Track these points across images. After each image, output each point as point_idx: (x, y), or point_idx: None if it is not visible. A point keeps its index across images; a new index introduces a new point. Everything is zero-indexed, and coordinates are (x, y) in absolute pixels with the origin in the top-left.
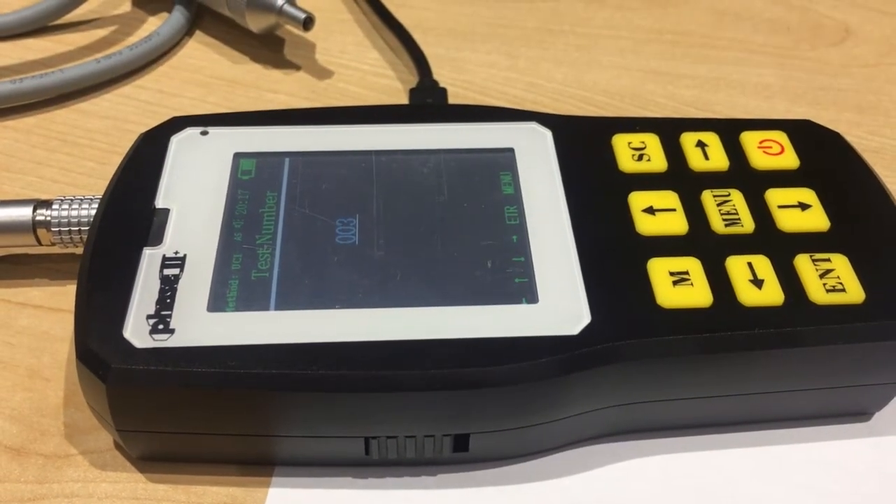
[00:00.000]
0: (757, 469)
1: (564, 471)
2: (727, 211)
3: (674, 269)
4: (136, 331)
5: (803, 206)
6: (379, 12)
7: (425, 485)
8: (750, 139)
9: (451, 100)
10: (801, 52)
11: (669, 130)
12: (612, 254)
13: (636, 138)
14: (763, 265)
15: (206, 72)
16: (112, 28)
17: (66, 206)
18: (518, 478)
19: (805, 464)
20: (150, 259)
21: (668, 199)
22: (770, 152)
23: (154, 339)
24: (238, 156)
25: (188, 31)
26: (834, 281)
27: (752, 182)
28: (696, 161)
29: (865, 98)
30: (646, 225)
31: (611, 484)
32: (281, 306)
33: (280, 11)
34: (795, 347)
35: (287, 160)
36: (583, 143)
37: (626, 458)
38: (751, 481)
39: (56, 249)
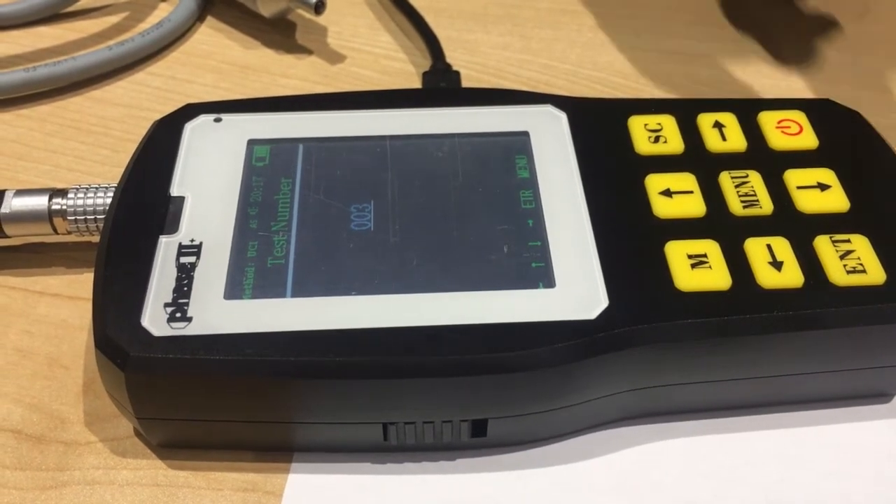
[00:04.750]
0: (777, 452)
1: (583, 455)
2: (745, 192)
3: (692, 252)
4: (154, 319)
5: (822, 187)
6: None
7: (443, 470)
8: (768, 119)
9: (465, 83)
10: (820, 30)
11: (686, 111)
12: (629, 237)
13: (652, 120)
14: (782, 247)
15: (218, 57)
16: (123, 15)
17: (81, 195)
18: (536, 462)
19: (825, 446)
20: (166, 247)
21: (686, 181)
22: (788, 132)
23: (172, 328)
24: (252, 142)
25: (199, 17)
26: (854, 262)
27: (771, 163)
28: (713, 142)
29: (886, 75)
30: (663, 207)
31: (629, 468)
32: (297, 293)
33: None
34: (815, 329)
35: (301, 146)
36: (598, 126)
37: (644, 442)
38: (771, 464)
39: (73, 238)
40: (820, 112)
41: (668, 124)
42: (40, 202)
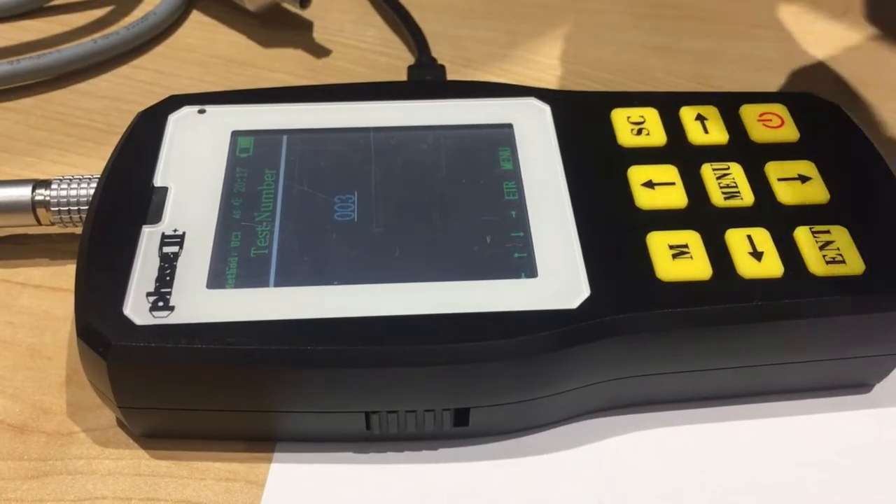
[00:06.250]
0: (757, 441)
1: (565, 444)
2: (727, 184)
3: (673, 243)
4: (137, 308)
5: (803, 179)
6: None
7: (426, 459)
8: (749, 112)
9: (450, 77)
10: (802, 26)
11: (669, 104)
12: (611, 228)
13: (635, 112)
14: (762, 237)
15: (203, 51)
16: (109, 8)
17: (65, 186)
18: (519, 452)
19: (805, 436)
20: (149, 237)
21: (668, 172)
22: (770, 125)
23: (154, 317)
24: (236, 134)
25: (185, 11)
26: (834, 253)
27: (752, 155)
28: (695, 135)
29: (866, 71)
30: (645, 199)
31: (611, 457)
32: (280, 283)
33: None
34: (795, 319)
35: (285, 138)
36: (582, 118)
37: (626, 431)
38: (751, 453)
39: (56, 229)
40: (801, 105)
41: (651, 117)
42: (23, 193)
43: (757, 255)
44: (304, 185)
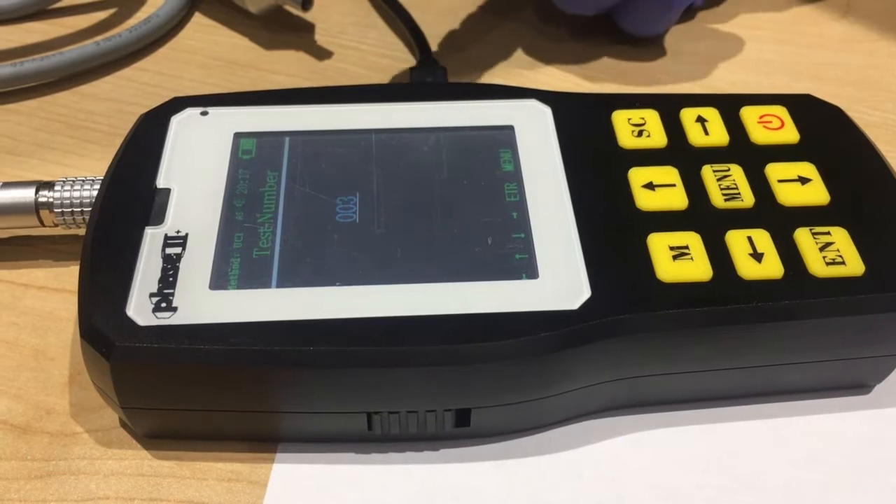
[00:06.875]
0: (757, 442)
1: (565, 445)
2: (727, 186)
3: (674, 244)
4: (140, 309)
5: (803, 181)
6: None
7: (427, 459)
8: (750, 114)
9: (451, 79)
10: (803, 28)
11: (669, 106)
12: (612, 229)
13: (636, 114)
14: (763, 239)
15: (205, 53)
16: (111, 10)
17: (68, 188)
18: (520, 452)
19: (805, 436)
20: (152, 238)
21: (668, 174)
22: (770, 127)
23: (157, 317)
24: (238, 135)
25: (187, 13)
26: (834, 254)
27: (752, 157)
28: (695, 136)
29: (867, 73)
30: (646, 200)
31: (611, 458)
32: (282, 284)
33: None
34: (795, 320)
35: (287, 139)
36: (582, 120)
37: (626, 432)
38: (751, 454)
39: (59, 231)
40: (801, 107)
41: (652, 119)
42: (27, 194)
43: (757, 256)
44: (307, 186)
